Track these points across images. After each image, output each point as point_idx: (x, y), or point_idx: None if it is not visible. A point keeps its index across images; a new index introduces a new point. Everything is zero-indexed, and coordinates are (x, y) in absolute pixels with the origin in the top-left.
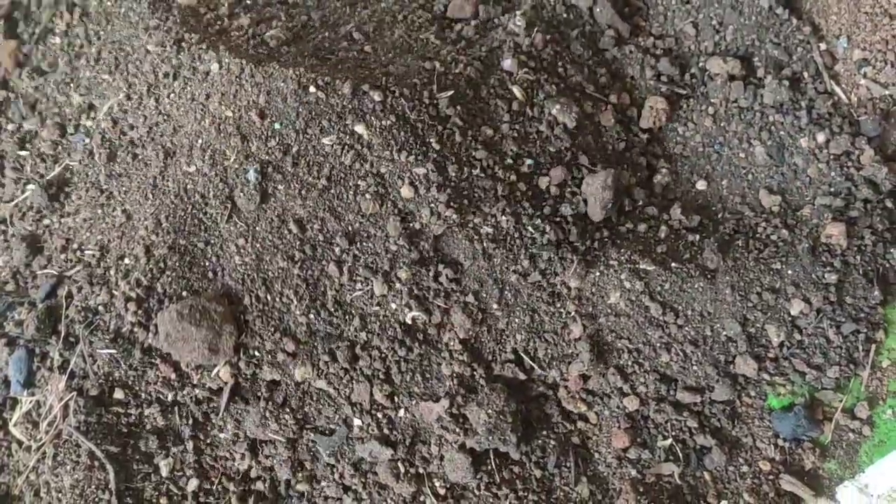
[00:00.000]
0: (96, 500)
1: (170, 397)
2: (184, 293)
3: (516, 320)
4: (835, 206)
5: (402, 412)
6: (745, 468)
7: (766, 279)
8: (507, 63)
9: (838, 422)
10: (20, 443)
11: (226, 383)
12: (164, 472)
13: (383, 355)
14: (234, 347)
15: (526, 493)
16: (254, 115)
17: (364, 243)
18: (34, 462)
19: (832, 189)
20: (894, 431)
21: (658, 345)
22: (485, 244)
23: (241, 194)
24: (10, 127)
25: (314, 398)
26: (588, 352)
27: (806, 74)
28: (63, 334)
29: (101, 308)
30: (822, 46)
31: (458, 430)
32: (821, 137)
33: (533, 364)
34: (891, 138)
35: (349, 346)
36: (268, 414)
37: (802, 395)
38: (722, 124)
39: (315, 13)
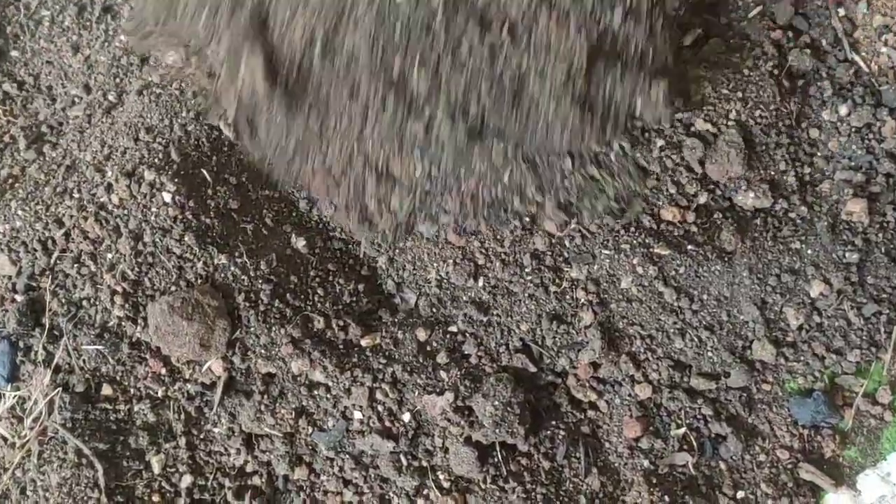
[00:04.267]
0: (85, 498)
1: (160, 392)
2: (173, 287)
3: (524, 308)
4: (855, 182)
5: (404, 405)
6: (762, 457)
7: (784, 260)
8: None
9: (859, 407)
10: (4, 439)
11: (218, 377)
12: (157, 468)
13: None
14: (227, 343)
15: (534, 486)
16: None
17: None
18: (19, 459)
19: (852, 163)
20: None
21: (672, 331)
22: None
23: None
24: None
25: (311, 391)
26: (599, 339)
27: (824, 42)
28: (47, 327)
29: (85, 302)
30: (841, 12)
31: (463, 422)
32: (843, 110)
33: (542, 352)
34: None
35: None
36: (263, 408)
37: (822, 381)
38: None
39: None
